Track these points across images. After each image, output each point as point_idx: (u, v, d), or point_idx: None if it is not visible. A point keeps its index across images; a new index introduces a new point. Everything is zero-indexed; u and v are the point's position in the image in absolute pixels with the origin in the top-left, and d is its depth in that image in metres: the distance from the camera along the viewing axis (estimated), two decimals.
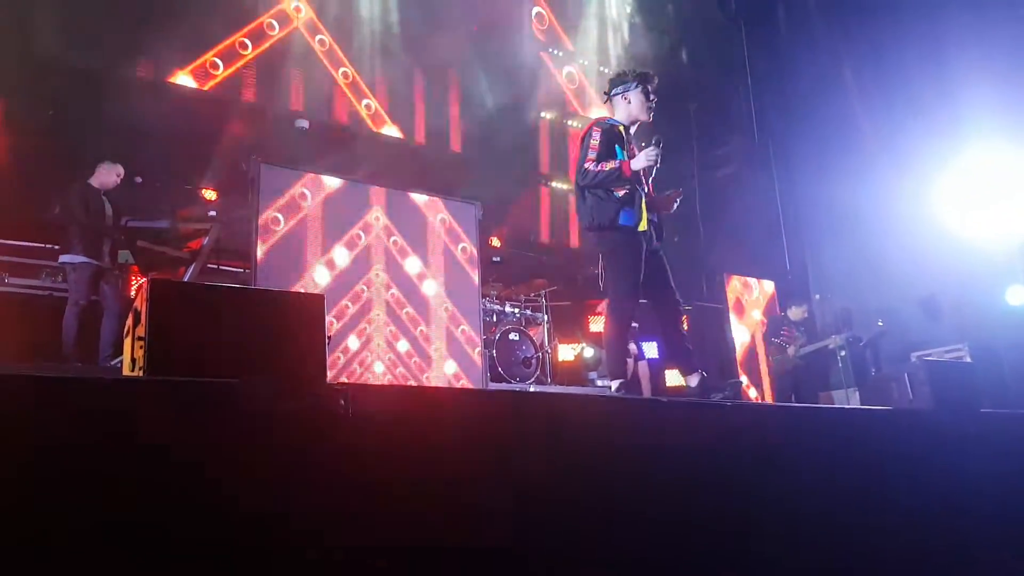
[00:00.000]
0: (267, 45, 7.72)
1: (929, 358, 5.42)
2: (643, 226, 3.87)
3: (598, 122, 4.05)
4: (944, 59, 8.44)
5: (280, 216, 5.80)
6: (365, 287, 6.22)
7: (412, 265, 6.52)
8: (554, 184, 9.85)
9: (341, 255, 6.12)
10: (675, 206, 4.10)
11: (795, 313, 7.90)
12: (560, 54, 10.23)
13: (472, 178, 8.36)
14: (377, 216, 6.39)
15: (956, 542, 3.27)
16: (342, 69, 8.28)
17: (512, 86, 8.96)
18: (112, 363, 5.00)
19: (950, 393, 3.95)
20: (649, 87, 4.03)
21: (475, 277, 6.91)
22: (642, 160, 3.86)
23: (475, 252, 7.00)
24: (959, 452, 3.53)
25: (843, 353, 7.18)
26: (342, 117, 8.26)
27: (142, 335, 1.99)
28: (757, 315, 9.30)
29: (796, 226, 10.40)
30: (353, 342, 6.05)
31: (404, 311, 6.38)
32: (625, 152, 3.92)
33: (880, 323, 7.58)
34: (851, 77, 9.61)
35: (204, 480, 1.88)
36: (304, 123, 7.77)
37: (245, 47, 7.59)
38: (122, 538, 1.73)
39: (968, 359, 5.92)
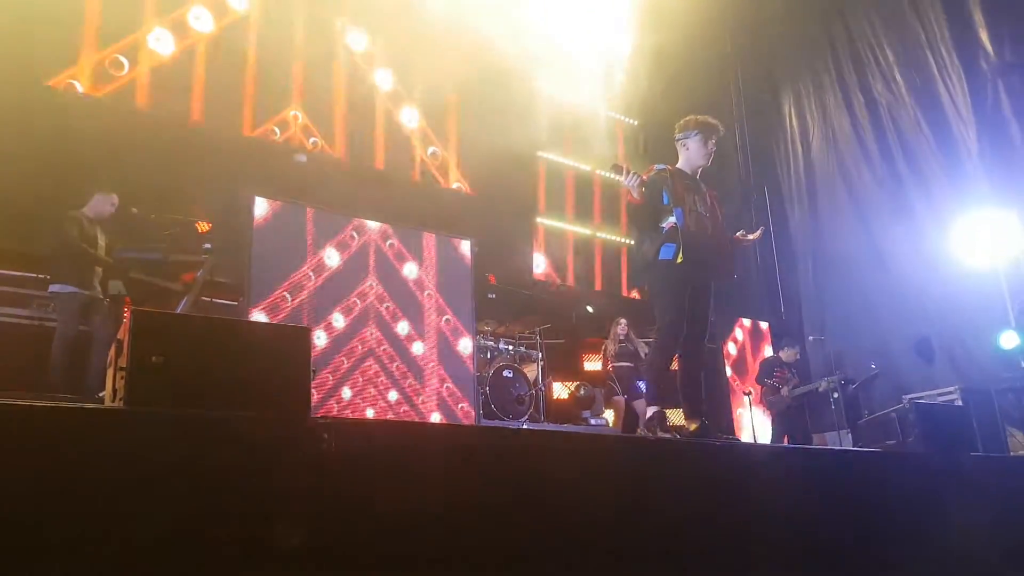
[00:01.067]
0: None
1: (921, 401, 5.39)
2: (680, 259, 3.96)
3: (652, 168, 4.23)
4: (936, 107, 8.59)
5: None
6: (359, 344, 6.29)
7: (402, 328, 6.61)
8: (549, 222, 9.91)
9: (338, 319, 6.21)
10: (744, 242, 4.23)
11: (787, 355, 7.91)
12: (555, 95, 10.37)
13: (468, 215, 8.41)
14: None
15: None
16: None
17: (510, 123, 9.07)
18: (99, 395, 4.95)
19: (941, 435, 3.94)
20: (710, 136, 4.25)
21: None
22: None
23: (469, 289, 7.02)
24: (951, 494, 3.50)
25: (835, 395, 7.16)
26: (341, 153, 8.33)
27: (124, 365, 1.97)
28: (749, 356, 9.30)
29: (791, 268, 10.44)
30: (346, 392, 6.08)
31: (395, 365, 6.44)
32: (670, 196, 4.05)
33: (873, 366, 7.57)
34: (846, 119, 9.76)
35: (183, 512, 1.85)
36: (302, 157, 7.84)
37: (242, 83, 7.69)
38: (97, 565, 1.69)
39: (960, 402, 5.89)
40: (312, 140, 8.08)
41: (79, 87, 6.65)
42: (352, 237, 6.49)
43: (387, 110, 8.73)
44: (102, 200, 5.76)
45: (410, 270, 6.77)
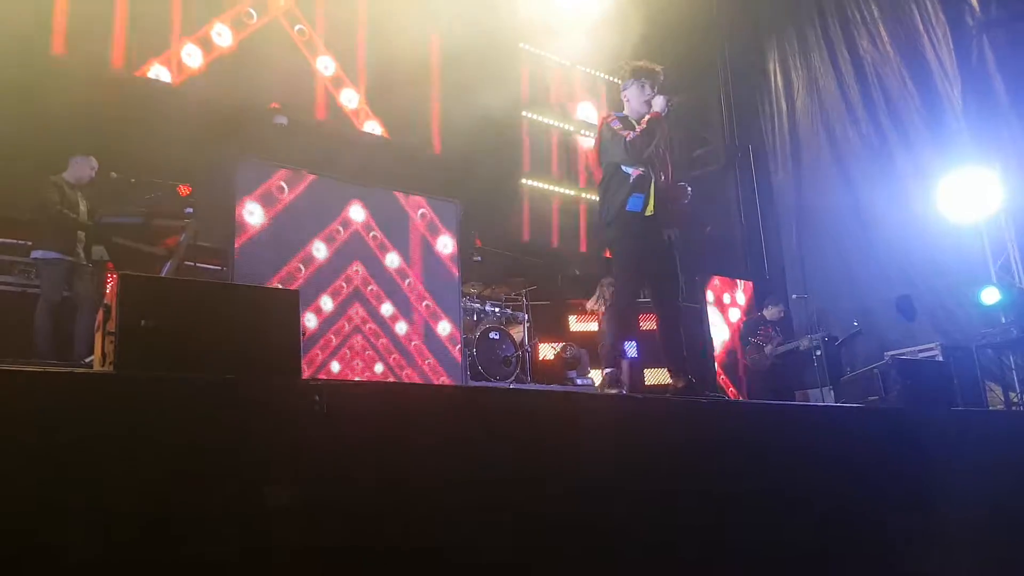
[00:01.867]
0: (245, 35, 7.61)
1: (902, 357, 5.49)
2: (650, 210, 3.87)
3: (609, 116, 4.12)
4: (921, 65, 8.56)
5: (259, 208, 5.76)
6: (344, 283, 6.19)
7: (392, 260, 6.50)
8: (535, 183, 9.85)
9: (320, 249, 6.08)
10: (687, 197, 4.18)
11: (771, 313, 8.00)
12: (541, 53, 10.23)
13: (453, 177, 8.34)
14: (357, 211, 6.36)
15: (928, 533, 3.32)
16: (320, 58, 8.20)
17: (494, 84, 8.95)
18: (87, 360, 4.93)
19: (922, 391, 4.01)
20: (645, 82, 4.08)
21: (456, 274, 6.91)
22: (660, 101, 3.96)
23: (456, 250, 6.99)
24: (931, 448, 3.58)
25: (819, 352, 7.26)
26: (322, 113, 8.19)
27: (112, 330, 1.96)
28: (736, 315, 9.38)
29: (774, 227, 10.49)
30: (332, 339, 6.03)
31: (383, 307, 6.37)
32: None
33: (856, 324, 7.67)
34: (831, 79, 9.71)
35: (175, 475, 1.86)
36: (283, 119, 7.70)
37: (223, 37, 7.49)
38: (90, 532, 1.70)
39: (941, 358, 6.00)
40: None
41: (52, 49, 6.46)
42: (332, 197, 6.35)
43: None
44: (81, 163, 5.65)
45: (391, 260, 6.61)
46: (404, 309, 6.51)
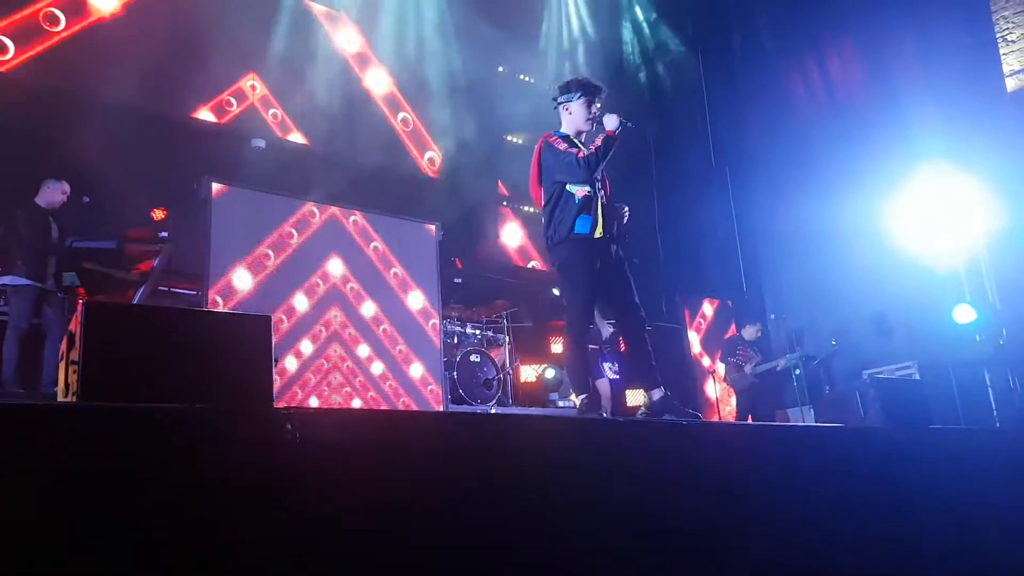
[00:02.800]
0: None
1: (880, 376, 5.52)
2: (599, 233, 3.82)
3: (550, 136, 4.01)
4: (893, 88, 8.73)
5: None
6: (323, 328, 6.22)
7: (368, 309, 6.54)
8: (516, 205, 9.88)
9: (300, 302, 6.12)
10: (625, 218, 4.09)
11: (749, 332, 8.03)
12: (525, 78, 10.32)
13: (434, 199, 8.35)
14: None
15: (906, 554, 3.32)
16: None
17: (477, 107, 9.01)
18: (54, 390, 4.83)
19: (900, 410, 4.03)
20: (594, 99, 3.97)
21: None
22: (613, 120, 3.85)
23: (435, 275, 6.99)
24: (909, 467, 3.59)
25: (798, 371, 7.30)
26: (300, 138, 8.17)
27: (75, 359, 1.91)
28: (701, 334, 9.44)
29: (752, 246, 10.58)
30: (310, 377, 6.02)
31: (359, 348, 6.39)
32: None
33: (833, 342, 7.72)
34: (806, 103, 9.87)
35: (140, 510, 1.80)
36: (260, 143, 7.68)
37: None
38: (47, 566, 1.64)
39: (917, 376, 6.05)
40: (272, 112, 7.89)
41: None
42: (313, 219, 6.40)
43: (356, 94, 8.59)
44: (53, 188, 5.59)
45: (375, 250, 6.72)
46: (379, 351, 6.55)
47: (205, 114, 7.50)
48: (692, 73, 11.30)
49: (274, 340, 2.38)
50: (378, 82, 8.90)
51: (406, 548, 2.18)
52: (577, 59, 10.47)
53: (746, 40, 10.99)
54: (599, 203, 3.87)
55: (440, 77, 8.91)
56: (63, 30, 6.72)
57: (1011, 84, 8.14)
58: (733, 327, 9.27)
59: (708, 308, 9.77)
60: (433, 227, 7.16)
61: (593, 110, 3.96)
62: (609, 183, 4.09)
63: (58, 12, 6.69)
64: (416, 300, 6.87)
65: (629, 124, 3.91)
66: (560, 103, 4.04)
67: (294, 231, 6.22)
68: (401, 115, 9.04)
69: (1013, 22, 8.12)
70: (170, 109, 7.22)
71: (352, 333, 6.39)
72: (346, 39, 8.73)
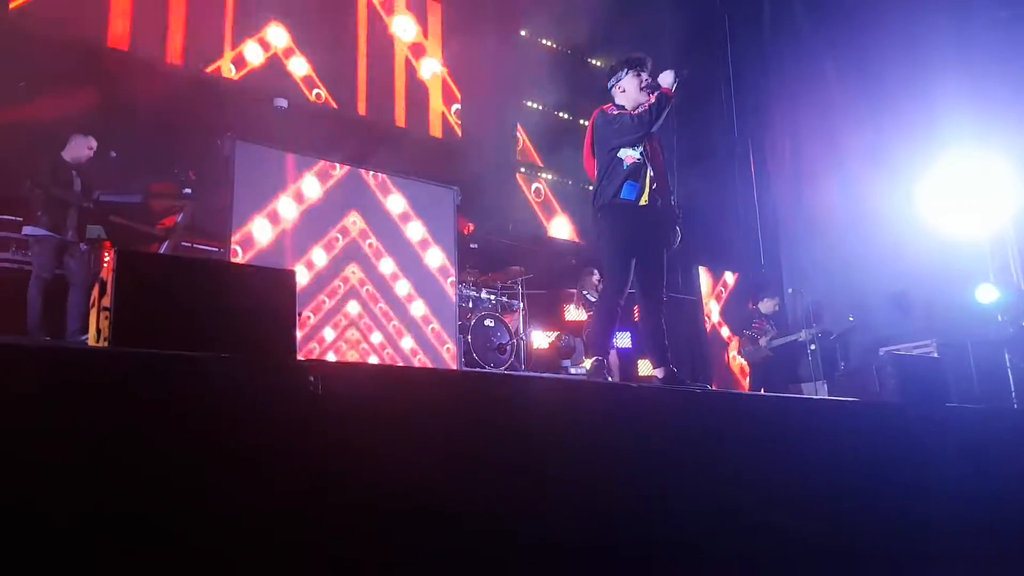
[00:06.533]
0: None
1: (897, 352, 5.50)
2: (644, 200, 3.81)
3: (606, 106, 4.02)
4: (923, 63, 8.53)
5: (265, 222, 5.81)
6: (341, 283, 6.26)
7: (386, 266, 6.57)
8: (531, 171, 9.83)
9: (319, 256, 6.15)
10: (677, 240, 4.07)
11: (767, 306, 8.00)
12: (547, 43, 10.19)
13: (451, 163, 8.32)
14: (355, 220, 6.42)
15: (920, 530, 3.34)
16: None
17: (494, 70, 8.92)
18: (80, 338, 4.91)
19: (917, 387, 4.02)
20: (641, 70, 3.99)
21: (447, 284, 6.93)
22: (668, 76, 3.87)
23: (451, 239, 7.02)
24: (924, 444, 3.59)
25: (813, 346, 7.27)
26: (321, 97, 8.14)
27: (107, 305, 1.95)
28: (714, 305, 9.42)
29: (772, 220, 10.49)
30: (328, 333, 6.08)
31: (378, 306, 6.43)
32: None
33: (851, 318, 7.68)
34: (832, 77, 9.68)
35: (167, 455, 1.85)
36: (283, 102, 7.65)
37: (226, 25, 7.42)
38: (83, 515, 1.69)
39: (936, 355, 6.01)
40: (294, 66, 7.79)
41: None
42: (334, 173, 6.41)
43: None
44: (79, 142, 5.62)
45: (395, 206, 6.73)
46: (397, 309, 6.59)
47: (227, 68, 7.47)
48: (718, 43, 11.11)
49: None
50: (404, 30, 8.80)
51: (423, 501, 2.22)
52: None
53: (776, 9, 10.76)
54: (648, 171, 3.85)
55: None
56: None
57: None
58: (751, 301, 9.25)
59: (730, 278, 9.75)
60: (451, 192, 7.17)
61: (644, 79, 3.97)
62: (664, 155, 4.06)
63: None
64: (435, 257, 6.88)
65: (685, 72, 3.89)
66: (612, 85, 4.07)
67: (316, 183, 6.24)
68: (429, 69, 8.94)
69: None
70: (194, 64, 7.19)
71: (370, 290, 6.42)
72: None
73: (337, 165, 6.41)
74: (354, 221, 6.42)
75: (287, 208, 6.01)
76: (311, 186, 6.22)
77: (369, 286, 6.42)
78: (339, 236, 6.30)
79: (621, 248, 3.83)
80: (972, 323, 7.04)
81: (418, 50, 8.85)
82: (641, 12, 9.30)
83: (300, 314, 5.58)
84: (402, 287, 6.65)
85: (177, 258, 2.59)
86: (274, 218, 5.91)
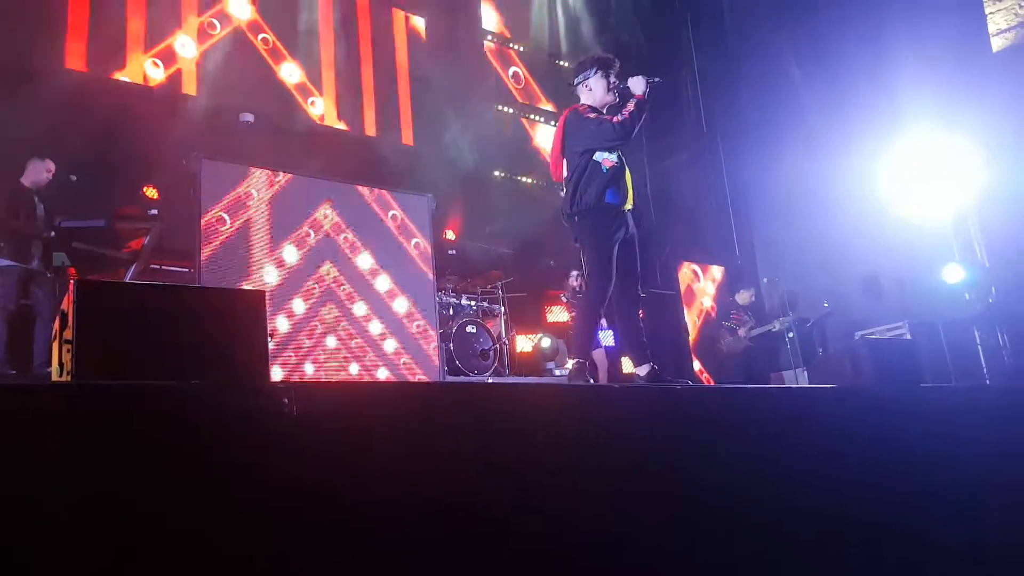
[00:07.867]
0: (208, 44, 7.46)
1: (871, 336, 5.57)
2: (628, 205, 3.84)
3: (578, 106, 4.00)
4: (882, 45, 8.65)
5: (226, 216, 5.69)
6: (316, 284, 6.14)
7: (364, 261, 6.46)
8: (507, 175, 9.82)
9: (291, 253, 6.03)
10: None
11: (743, 297, 8.07)
12: (516, 47, 10.19)
13: (424, 171, 8.28)
14: (326, 214, 6.31)
15: (901, 511, 3.37)
16: (285, 64, 8.08)
17: (462, 79, 8.91)
18: (47, 370, 4.81)
19: (892, 370, 4.06)
20: (610, 71, 4.01)
21: (429, 272, 6.88)
22: (640, 82, 3.87)
23: (428, 247, 6.96)
24: (902, 425, 3.63)
25: (791, 335, 7.34)
26: (288, 110, 8.07)
27: (69, 338, 1.90)
28: (708, 302, 9.45)
29: (745, 212, 10.57)
30: (305, 341, 5.97)
31: (355, 307, 6.33)
32: None
33: (826, 304, 7.76)
34: (795, 65, 9.79)
35: (137, 488, 1.81)
36: (249, 116, 7.58)
37: (185, 46, 7.33)
38: (46, 548, 1.65)
39: (909, 336, 6.09)
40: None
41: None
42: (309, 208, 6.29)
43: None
44: (37, 166, 5.51)
45: (363, 261, 6.56)
46: (378, 308, 6.47)
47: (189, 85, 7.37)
48: (681, 38, 11.18)
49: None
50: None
51: (405, 520, 2.20)
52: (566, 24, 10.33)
53: (735, 5, 10.86)
54: (627, 173, 3.88)
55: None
56: None
57: (997, 43, 8.09)
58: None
59: (717, 272, 9.80)
60: (425, 199, 7.13)
61: (612, 81, 3.98)
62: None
63: None
64: (414, 250, 6.79)
65: (656, 80, 3.92)
66: (579, 82, 4.05)
67: (280, 177, 6.09)
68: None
69: None
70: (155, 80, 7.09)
71: (347, 290, 6.30)
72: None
73: (308, 178, 6.33)
74: (326, 213, 6.27)
75: (250, 206, 5.87)
76: (289, 250, 6.08)
77: (346, 285, 6.28)
78: (310, 231, 6.16)
79: (606, 251, 3.83)
80: (941, 303, 7.14)
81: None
82: (601, 14, 9.35)
83: (273, 335, 5.51)
84: (381, 281, 6.53)
85: (139, 284, 2.54)
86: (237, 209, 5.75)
